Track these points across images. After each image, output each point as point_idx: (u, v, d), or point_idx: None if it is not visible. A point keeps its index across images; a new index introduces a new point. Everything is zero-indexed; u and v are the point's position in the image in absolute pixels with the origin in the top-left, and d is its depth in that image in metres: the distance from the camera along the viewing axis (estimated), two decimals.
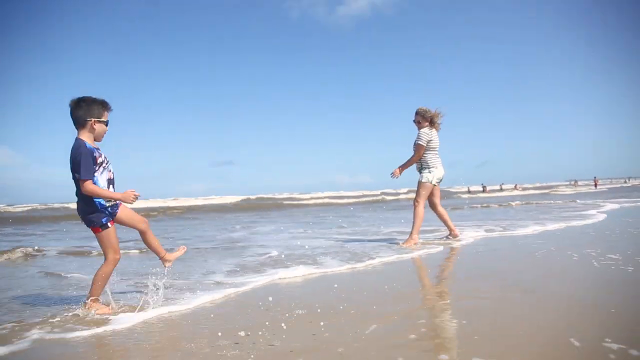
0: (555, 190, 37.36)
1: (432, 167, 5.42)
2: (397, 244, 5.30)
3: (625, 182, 65.49)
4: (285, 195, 39.93)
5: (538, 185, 58.72)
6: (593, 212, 9.10)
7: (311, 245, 5.42)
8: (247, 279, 3.47)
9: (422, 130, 5.42)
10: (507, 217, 8.86)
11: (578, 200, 15.03)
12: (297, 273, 3.70)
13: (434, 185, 5.43)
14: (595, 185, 47.89)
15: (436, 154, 5.46)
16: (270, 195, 42.04)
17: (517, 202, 16.36)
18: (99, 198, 2.68)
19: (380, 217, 10.71)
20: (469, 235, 5.85)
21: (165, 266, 3.05)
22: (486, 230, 6.41)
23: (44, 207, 23.44)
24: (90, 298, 2.71)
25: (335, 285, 3.18)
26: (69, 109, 2.74)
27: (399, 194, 35.46)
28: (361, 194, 39.96)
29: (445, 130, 5.70)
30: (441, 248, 4.92)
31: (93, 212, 2.68)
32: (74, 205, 2.99)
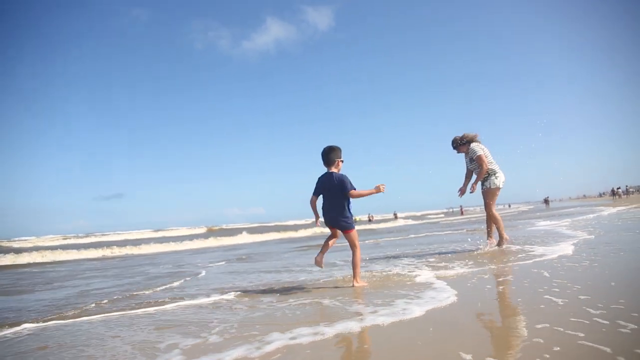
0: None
1: (497, 172, 5.93)
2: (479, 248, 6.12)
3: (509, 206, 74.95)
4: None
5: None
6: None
7: None
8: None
9: (472, 145, 5.97)
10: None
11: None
12: None
13: (500, 188, 5.92)
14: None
15: (492, 161, 5.97)
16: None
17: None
18: (351, 210, 4.11)
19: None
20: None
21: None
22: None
23: None
24: (357, 277, 4.09)
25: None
26: (321, 153, 4.13)
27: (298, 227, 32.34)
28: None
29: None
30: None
31: (348, 218, 4.04)
32: None
